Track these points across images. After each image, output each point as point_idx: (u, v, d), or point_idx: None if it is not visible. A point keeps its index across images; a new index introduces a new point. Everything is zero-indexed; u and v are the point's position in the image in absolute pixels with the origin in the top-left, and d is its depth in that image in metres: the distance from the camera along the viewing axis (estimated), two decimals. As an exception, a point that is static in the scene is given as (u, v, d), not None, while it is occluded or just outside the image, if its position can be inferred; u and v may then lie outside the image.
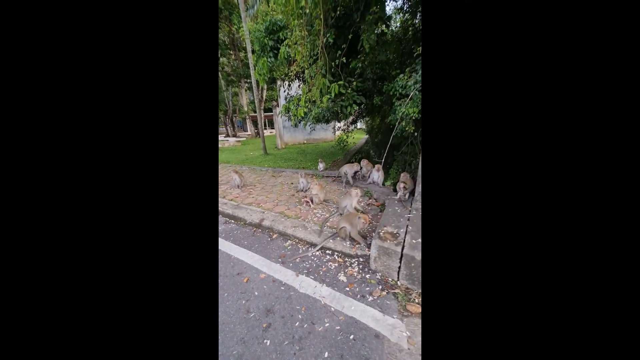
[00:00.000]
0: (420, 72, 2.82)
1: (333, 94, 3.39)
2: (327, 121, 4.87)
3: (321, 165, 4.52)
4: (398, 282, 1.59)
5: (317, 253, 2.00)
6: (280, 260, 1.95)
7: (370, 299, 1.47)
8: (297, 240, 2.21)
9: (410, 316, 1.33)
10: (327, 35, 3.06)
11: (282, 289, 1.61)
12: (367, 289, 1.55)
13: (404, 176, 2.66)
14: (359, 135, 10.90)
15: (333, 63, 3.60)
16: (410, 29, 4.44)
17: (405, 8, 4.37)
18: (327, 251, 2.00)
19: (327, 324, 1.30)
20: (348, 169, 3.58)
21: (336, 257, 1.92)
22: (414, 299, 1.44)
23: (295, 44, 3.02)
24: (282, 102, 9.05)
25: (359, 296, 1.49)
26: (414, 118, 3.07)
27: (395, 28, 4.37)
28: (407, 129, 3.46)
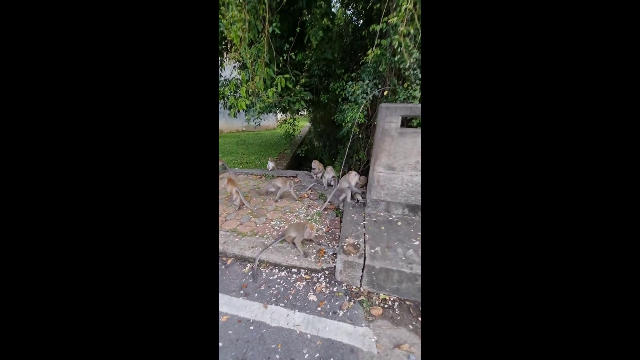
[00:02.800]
0: (366, 80, 3.00)
1: (279, 88, 3.12)
2: (271, 111, 4.51)
3: (270, 165, 4.19)
4: (361, 288, 1.80)
5: (283, 274, 1.94)
6: (242, 291, 1.77)
7: (341, 313, 1.60)
8: (258, 263, 2.06)
9: (375, 320, 1.56)
10: (273, 25, 2.67)
11: (252, 328, 1.49)
12: (337, 302, 1.68)
13: (356, 176, 2.67)
14: (301, 123, 10.78)
15: (281, 57, 3.24)
16: (350, 26, 4.55)
17: (348, 5, 4.38)
18: (293, 270, 1.98)
19: (307, 355, 1.34)
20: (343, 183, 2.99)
21: (303, 275, 1.93)
22: (375, 302, 1.69)
23: (232, 24, 2.46)
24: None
25: (330, 313, 1.60)
26: (359, 122, 3.33)
27: (338, 26, 4.33)
28: (352, 130, 3.71)
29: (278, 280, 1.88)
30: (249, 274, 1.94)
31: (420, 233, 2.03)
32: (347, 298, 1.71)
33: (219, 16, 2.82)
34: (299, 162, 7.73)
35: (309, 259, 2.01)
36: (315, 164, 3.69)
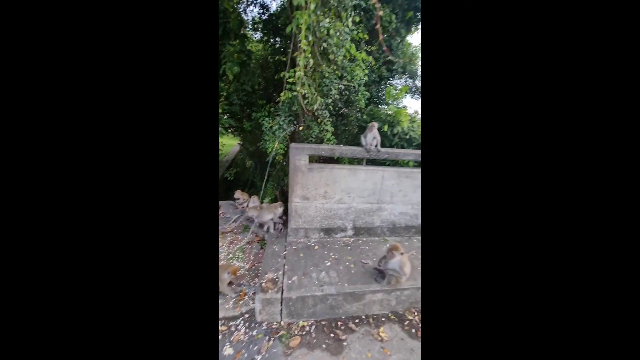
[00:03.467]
0: (282, 117, 3.31)
1: None
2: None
3: None
4: (281, 322, 1.86)
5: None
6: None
7: (259, 357, 1.59)
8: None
9: (292, 351, 1.65)
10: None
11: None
12: (255, 347, 1.66)
13: (281, 207, 2.82)
14: (231, 142, 10.06)
15: None
16: (271, 59, 4.94)
17: (268, 40, 4.76)
18: (207, 324, 1.79)
19: None
20: (267, 215, 2.68)
21: (220, 327, 1.78)
22: (295, 332, 1.79)
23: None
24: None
25: (248, 362, 1.56)
26: (281, 153, 3.57)
27: (258, 59, 4.60)
28: (277, 158, 3.91)
29: (186, 344, 1.64)
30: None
31: (332, 254, 2.36)
32: (267, 338, 1.72)
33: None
34: (227, 186, 7.07)
35: (227, 306, 1.89)
36: (238, 193, 3.56)
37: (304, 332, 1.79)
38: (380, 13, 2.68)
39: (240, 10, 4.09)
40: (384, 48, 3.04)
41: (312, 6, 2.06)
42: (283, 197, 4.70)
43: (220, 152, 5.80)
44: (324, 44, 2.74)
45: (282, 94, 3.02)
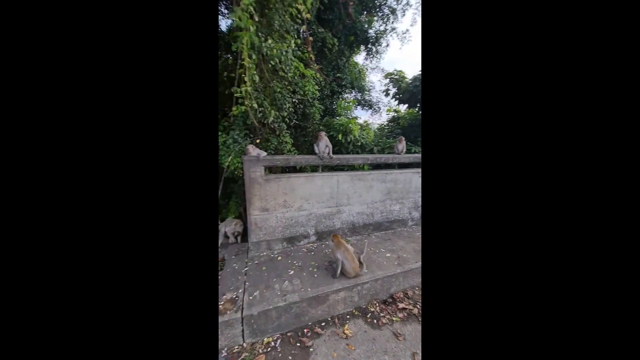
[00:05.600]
0: (237, 130, 3.28)
1: None
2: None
3: None
4: (244, 343, 1.75)
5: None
6: None
7: (217, 388, 1.45)
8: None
9: (257, 372, 1.56)
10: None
11: None
12: (213, 378, 1.51)
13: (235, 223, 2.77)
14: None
15: None
16: (222, 74, 4.91)
17: (220, 56, 4.72)
18: None
19: None
20: (227, 228, 2.65)
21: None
22: (259, 350, 1.70)
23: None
24: None
25: (203, 397, 1.40)
26: (240, 167, 3.49)
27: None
28: (236, 172, 3.80)
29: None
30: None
31: (295, 262, 2.37)
32: (227, 365, 1.59)
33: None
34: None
35: (178, 340, 1.68)
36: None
37: (269, 349, 1.72)
38: (310, 39, 3.03)
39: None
40: (317, 67, 3.38)
41: (252, 29, 2.21)
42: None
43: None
44: (272, 62, 2.90)
45: (233, 108, 3.02)
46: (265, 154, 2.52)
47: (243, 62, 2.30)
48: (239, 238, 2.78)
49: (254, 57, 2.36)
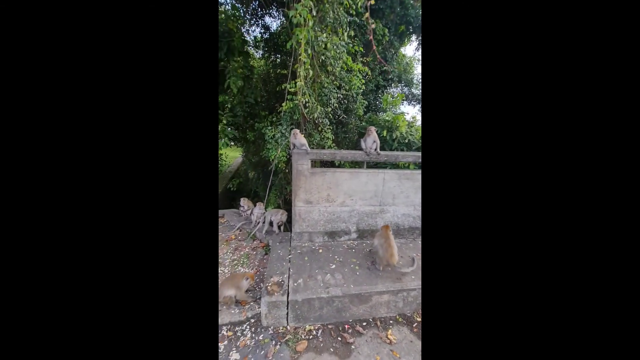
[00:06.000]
0: (284, 125, 3.45)
1: None
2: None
3: None
4: (287, 326, 1.84)
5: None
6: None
7: (266, 362, 1.57)
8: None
9: (299, 356, 1.62)
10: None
11: None
12: (262, 352, 1.63)
13: (277, 213, 2.94)
14: (234, 154, 10.29)
15: None
16: (272, 72, 5.23)
17: (269, 56, 5.07)
18: (213, 330, 1.78)
19: None
20: (273, 217, 2.85)
21: (225, 333, 1.77)
22: (302, 336, 1.77)
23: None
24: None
25: (255, 367, 1.53)
26: (284, 160, 3.68)
27: (260, 73, 4.87)
28: (279, 166, 4.01)
29: (192, 350, 1.63)
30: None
31: (337, 257, 2.36)
32: (274, 342, 1.70)
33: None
34: (231, 197, 7.14)
35: (232, 311, 1.88)
36: (243, 201, 3.62)
37: (311, 336, 1.77)
38: (373, 26, 2.89)
39: (244, 30, 4.41)
40: (379, 58, 3.21)
41: (310, 23, 2.24)
42: (286, 205, 4.74)
43: (224, 164, 5.95)
44: (322, 57, 2.92)
45: (283, 104, 3.18)
46: (306, 145, 2.56)
47: (300, 57, 2.37)
48: (282, 227, 2.94)
49: (309, 51, 2.41)
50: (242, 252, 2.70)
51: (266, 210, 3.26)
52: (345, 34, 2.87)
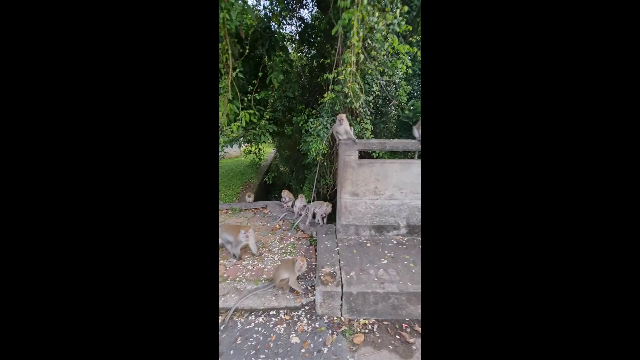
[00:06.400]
0: (325, 117, 3.40)
1: (244, 122, 3.23)
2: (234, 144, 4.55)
3: (249, 198, 4.12)
4: (342, 317, 1.83)
5: (261, 320, 1.82)
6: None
7: (326, 349, 1.58)
8: (229, 314, 1.88)
9: (358, 348, 1.59)
10: (237, 70, 2.88)
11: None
12: (320, 339, 1.66)
13: (328, 207, 2.94)
14: (266, 149, 10.80)
15: (245, 97, 3.43)
16: (307, 68, 5.21)
17: (302, 49, 5.07)
18: (272, 312, 1.88)
19: (295, 408, 1.25)
20: (318, 209, 2.89)
21: (283, 316, 1.85)
22: (357, 329, 1.74)
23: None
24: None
25: (315, 353, 1.56)
26: (322, 152, 3.65)
27: (296, 68, 4.90)
28: (317, 159, 4.01)
29: (256, 329, 1.75)
30: (221, 328, 1.75)
31: (387, 252, 2.25)
32: (330, 331, 1.71)
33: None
34: (267, 190, 7.55)
35: (288, 297, 1.95)
36: (285, 193, 3.74)
37: (367, 330, 1.72)
38: None
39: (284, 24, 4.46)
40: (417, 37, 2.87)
41: (365, 1, 2.09)
42: (319, 198, 4.78)
43: (262, 158, 6.33)
44: (368, 41, 2.75)
45: (325, 95, 3.12)
46: (351, 131, 2.45)
47: (351, 41, 2.25)
48: (325, 219, 2.94)
49: (361, 33, 2.27)
50: (287, 242, 2.80)
51: (308, 203, 3.32)
52: (397, 10, 2.62)
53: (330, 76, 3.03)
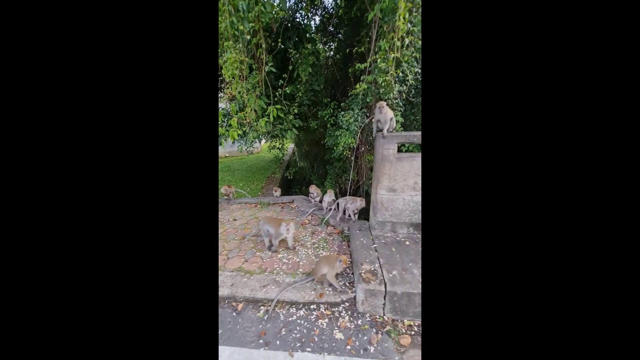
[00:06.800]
0: (356, 110, 3.28)
1: (272, 118, 3.24)
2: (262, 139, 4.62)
3: (277, 193, 4.21)
4: (384, 316, 1.77)
5: (302, 313, 1.84)
6: (261, 341, 1.62)
7: (372, 348, 1.54)
8: (272, 304, 1.92)
9: (406, 350, 1.53)
10: (269, 65, 2.87)
11: (282, 385, 1.35)
12: (365, 337, 1.62)
13: (361, 202, 2.86)
14: (287, 144, 10.92)
15: (276, 92, 3.43)
16: (331, 60, 5.07)
17: (326, 41, 4.92)
18: (312, 306, 1.89)
19: (349, 405, 1.24)
20: (350, 204, 2.81)
21: (323, 311, 1.85)
22: (402, 330, 1.67)
23: (230, 64, 2.59)
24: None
25: (361, 351, 1.53)
26: (351, 146, 3.55)
27: (321, 61, 4.78)
28: (344, 153, 3.91)
29: (298, 321, 1.76)
30: (265, 318, 1.80)
31: (429, 251, 2.13)
32: (374, 330, 1.67)
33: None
34: (288, 185, 7.67)
35: (327, 291, 1.94)
36: (312, 188, 3.73)
37: (413, 332, 1.65)
38: None
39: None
40: None
41: None
42: (341, 194, 4.69)
43: (282, 155, 6.42)
44: (408, 24, 2.54)
45: (357, 86, 2.99)
46: (394, 119, 2.32)
47: (397, 22, 2.09)
48: (356, 215, 2.87)
49: (406, 16, 2.10)
50: (319, 237, 2.79)
51: (337, 198, 3.27)
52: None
53: (362, 66, 2.89)
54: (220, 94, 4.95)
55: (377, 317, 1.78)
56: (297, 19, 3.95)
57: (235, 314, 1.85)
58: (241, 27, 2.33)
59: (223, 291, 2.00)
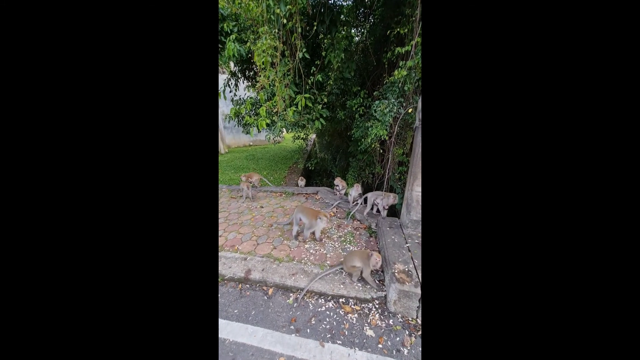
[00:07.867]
0: (391, 99, 3.05)
1: (300, 107, 3.17)
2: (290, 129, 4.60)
3: (302, 183, 4.25)
4: (417, 319, 1.70)
5: (331, 305, 1.84)
6: (292, 327, 1.67)
7: (406, 350, 1.49)
8: (302, 293, 1.96)
9: (443, 357, 1.45)
10: (303, 51, 2.76)
11: (314, 373, 1.38)
12: (397, 338, 1.58)
13: (385, 196, 2.76)
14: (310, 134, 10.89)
15: (308, 80, 3.33)
16: (361, 46, 4.75)
17: (360, 29, 4.61)
18: (341, 300, 1.88)
19: (383, 404, 1.22)
20: (380, 199, 2.72)
21: (353, 306, 1.83)
22: (437, 335, 1.59)
23: (263, 51, 2.54)
24: (222, 100, 7.64)
25: (394, 351, 1.49)
26: (382, 139, 3.36)
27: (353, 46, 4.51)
28: (372, 145, 3.73)
29: (327, 313, 1.77)
30: (294, 305, 1.84)
31: (469, 255, 1.96)
32: (407, 332, 1.61)
33: (240, 36, 2.95)
34: (308, 175, 7.71)
35: (357, 287, 1.92)
36: (338, 180, 3.66)
37: (449, 339, 1.55)
38: None
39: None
40: None
41: None
42: (364, 188, 4.54)
43: (306, 146, 6.39)
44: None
45: (395, 72, 2.75)
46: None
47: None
48: (386, 211, 2.75)
49: None
50: (345, 230, 2.74)
51: (363, 192, 3.17)
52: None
53: (403, 50, 2.63)
54: (248, 83, 4.98)
55: (410, 319, 1.71)
56: (331, 1, 3.72)
57: (266, 298, 1.93)
58: (277, 11, 2.24)
59: (255, 275, 2.09)
